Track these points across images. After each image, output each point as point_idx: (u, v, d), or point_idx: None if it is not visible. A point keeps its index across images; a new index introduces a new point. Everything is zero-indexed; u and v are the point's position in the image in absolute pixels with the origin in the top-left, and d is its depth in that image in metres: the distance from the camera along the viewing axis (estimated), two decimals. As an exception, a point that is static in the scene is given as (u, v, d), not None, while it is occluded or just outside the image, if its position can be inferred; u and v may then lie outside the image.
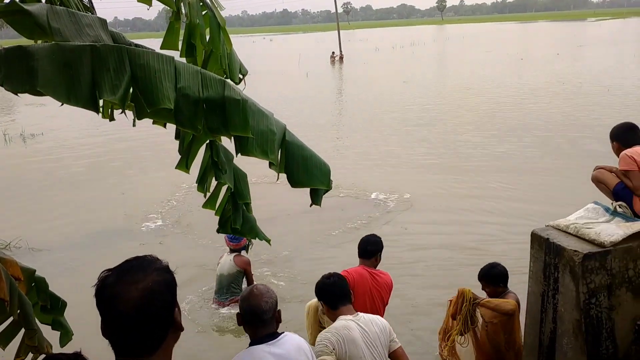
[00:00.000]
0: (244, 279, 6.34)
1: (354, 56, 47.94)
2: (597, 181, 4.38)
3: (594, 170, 4.43)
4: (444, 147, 13.81)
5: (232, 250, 6.32)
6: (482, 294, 4.68)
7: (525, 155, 12.61)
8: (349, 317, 3.43)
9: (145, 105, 2.02)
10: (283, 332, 2.83)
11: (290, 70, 37.43)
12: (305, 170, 2.56)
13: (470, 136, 14.80)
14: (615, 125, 4.35)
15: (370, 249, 4.40)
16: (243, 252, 6.38)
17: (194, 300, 6.56)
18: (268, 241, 3.06)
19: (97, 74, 1.93)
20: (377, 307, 4.26)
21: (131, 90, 2.00)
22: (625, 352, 3.76)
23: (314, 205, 2.68)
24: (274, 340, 2.73)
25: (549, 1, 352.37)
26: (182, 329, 1.50)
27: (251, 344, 2.76)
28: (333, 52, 44.33)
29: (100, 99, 1.93)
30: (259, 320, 2.71)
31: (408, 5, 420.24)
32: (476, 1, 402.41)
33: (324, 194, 2.71)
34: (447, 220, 8.85)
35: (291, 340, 2.81)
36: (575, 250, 3.74)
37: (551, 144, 13.45)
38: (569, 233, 3.98)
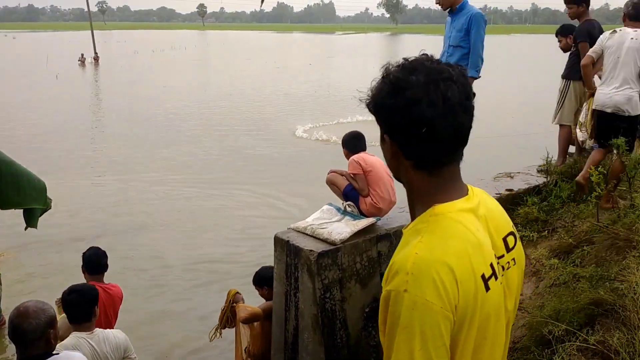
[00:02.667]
0: None
1: (111, 58, 45.40)
2: (331, 183, 4.80)
3: (328, 173, 4.85)
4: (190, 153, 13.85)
5: None
6: None
7: (271, 162, 13.09)
8: (84, 334, 3.37)
9: None
10: (56, 354, 2.70)
11: (37, 71, 33.90)
12: (16, 189, 2.33)
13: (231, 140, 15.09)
14: (345, 134, 4.82)
15: (104, 262, 4.38)
16: None
17: None
18: None
19: None
20: (110, 320, 4.32)
21: None
22: (357, 339, 4.17)
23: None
24: None
25: (302, 13, 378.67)
26: None
27: None
28: (82, 54, 40.88)
29: None
30: (21, 340, 2.63)
31: (168, 8, 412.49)
32: (236, 9, 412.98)
33: (42, 213, 2.49)
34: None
35: None
36: (311, 250, 4.03)
37: (285, 147, 14.36)
38: (307, 234, 4.29)
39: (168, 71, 36.68)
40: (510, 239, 1.47)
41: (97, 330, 3.51)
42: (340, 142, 4.92)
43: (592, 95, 5.48)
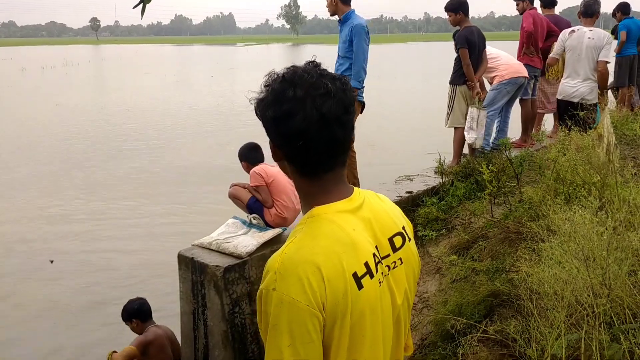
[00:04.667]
0: None
1: (-4, 77, 42.54)
2: (234, 197, 4.74)
3: (230, 187, 4.78)
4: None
5: None
6: None
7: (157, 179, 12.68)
8: None
9: None
10: None
11: None
12: None
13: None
14: (241, 146, 4.77)
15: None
16: None
17: None
18: None
19: None
20: None
21: None
22: (269, 351, 4.12)
23: None
24: None
25: (202, 26, 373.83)
26: None
27: None
28: None
29: None
30: None
31: (58, 23, 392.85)
32: (132, 22, 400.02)
33: None
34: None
35: None
36: (217, 265, 3.96)
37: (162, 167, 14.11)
38: (212, 249, 4.20)
39: (60, 89, 34.86)
40: (398, 239, 1.52)
41: None
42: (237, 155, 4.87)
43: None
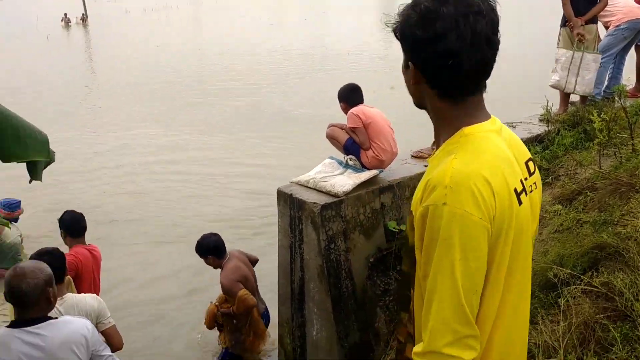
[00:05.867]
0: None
1: (101, 18, 44.51)
2: (331, 137, 4.76)
3: (328, 127, 4.80)
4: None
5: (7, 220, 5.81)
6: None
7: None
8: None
9: None
10: (55, 318, 2.66)
11: (27, 34, 33.24)
12: (17, 142, 2.28)
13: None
14: (341, 87, 4.75)
15: (84, 224, 4.43)
16: None
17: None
18: (6, 224, 2.82)
19: None
20: (97, 282, 4.44)
21: None
22: (362, 288, 4.23)
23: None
24: (31, 327, 2.57)
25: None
26: None
27: (7, 327, 2.61)
28: (65, 14, 39.74)
29: None
30: (20, 303, 2.58)
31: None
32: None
33: (46, 166, 2.46)
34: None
35: (58, 330, 2.62)
36: (315, 203, 4.04)
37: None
38: (310, 187, 4.29)
39: (162, 30, 36.05)
40: (531, 164, 1.51)
41: (68, 295, 3.41)
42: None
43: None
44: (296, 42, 26.78)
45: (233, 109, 14.01)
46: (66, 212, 4.51)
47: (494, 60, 1.37)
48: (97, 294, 4.42)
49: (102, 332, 3.29)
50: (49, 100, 15.12)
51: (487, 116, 1.44)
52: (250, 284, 4.77)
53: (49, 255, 3.34)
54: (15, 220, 6.24)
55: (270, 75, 18.53)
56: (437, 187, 1.31)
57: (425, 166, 4.73)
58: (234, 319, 4.77)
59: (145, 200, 8.48)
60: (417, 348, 1.37)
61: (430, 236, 1.32)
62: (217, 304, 4.86)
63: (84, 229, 4.43)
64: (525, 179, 1.45)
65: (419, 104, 1.49)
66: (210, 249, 4.75)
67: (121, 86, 17.00)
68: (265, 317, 4.97)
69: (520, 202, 1.37)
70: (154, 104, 14.46)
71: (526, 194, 1.41)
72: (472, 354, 1.31)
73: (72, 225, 4.40)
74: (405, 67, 1.44)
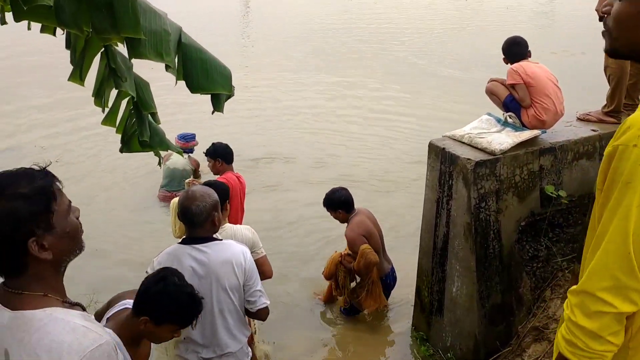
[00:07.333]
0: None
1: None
2: (490, 93, 4.57)
3: (488, 82, 4.61)
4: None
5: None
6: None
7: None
8: None
9: (21, 1, 1.81)
10: (220, 240, 2.94)
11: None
12: (205, 74, 2.44)
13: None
14: (504, 40, 4.50)
15: (230, 151, 5.04)
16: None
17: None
18: (180, 153, 3.12)
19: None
20: (242, 207, 4.94)
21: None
22: (509, 251, 4.09)
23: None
24: (200, 245, 2.86)
25: None
26: (44, 259, 1.44)
27: (179, 243, 2.92)
28: None
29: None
30: (189, 222, 2.86)
31: None
32: None
33: (227, 99, 2.61)
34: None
35: (221, 250, 2.89)
36: (468, 159, 3.93)
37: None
38: (464, 143, 4.17)
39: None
40: None
41: (227, 225, 3.68)
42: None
43: None
44: None
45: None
46: (216, 143, 5.09)
47: None
48: (242, 217, 4.82)
49: (255, 261, 3.53)
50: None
51: None
52: (374, 240, 4.71)
53: (215, 186, 3.62)
54: (191, 151, 7.00)
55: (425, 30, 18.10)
56: (632, 127, 1.23)
57: (593, 130, 4.43)
58: (356, 275, 4.82)
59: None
60: (573, 287, 1.32)
61: (612, 177, 1.24)
62: (343, 252, 4.92)
63: (232, 156, 5.05)
64: None
65: (632, 48, 1.34)
66: (342, 202, 4.80)
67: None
68: (391, 277, 4.97)
69: None
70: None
71: None
72: (631, 308, 1.23)
73: (228, 152, 5.00)
74: None
